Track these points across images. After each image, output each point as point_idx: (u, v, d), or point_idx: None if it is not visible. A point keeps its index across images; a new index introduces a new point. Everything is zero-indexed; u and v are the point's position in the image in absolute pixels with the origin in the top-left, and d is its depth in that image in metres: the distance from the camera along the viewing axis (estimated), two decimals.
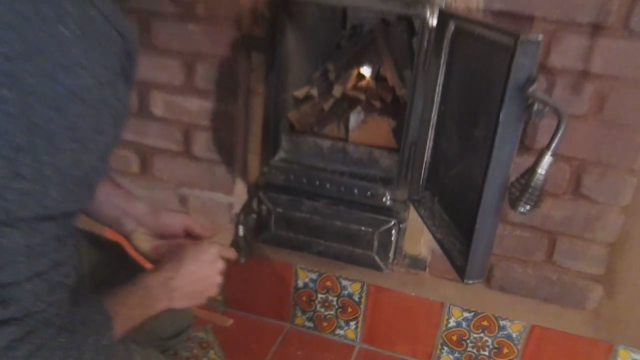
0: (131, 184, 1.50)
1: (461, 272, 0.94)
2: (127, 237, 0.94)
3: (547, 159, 0.82)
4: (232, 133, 1.36)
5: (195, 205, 1.46)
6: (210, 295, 0.91)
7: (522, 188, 0.84)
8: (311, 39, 1.38)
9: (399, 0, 1.10)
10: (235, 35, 1.26)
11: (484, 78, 0.92)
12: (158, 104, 1.40)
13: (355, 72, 1.41)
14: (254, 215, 1.31)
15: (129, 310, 0.76)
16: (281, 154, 1.33)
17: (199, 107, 1.37)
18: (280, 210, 1.29)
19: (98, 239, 0.99)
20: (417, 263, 1.30)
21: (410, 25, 1.49)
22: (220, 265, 0.91)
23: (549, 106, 0.78)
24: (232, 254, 0.95)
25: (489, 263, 1.25)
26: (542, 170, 0.82)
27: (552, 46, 1.07)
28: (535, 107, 0.79)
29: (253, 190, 1.31)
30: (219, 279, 0.91)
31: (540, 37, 0.77)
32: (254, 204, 1.31)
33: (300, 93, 1.34)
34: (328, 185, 1.29)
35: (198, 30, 1.29)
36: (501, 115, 0.80)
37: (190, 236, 0.98)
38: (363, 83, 1.37)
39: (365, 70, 1.43)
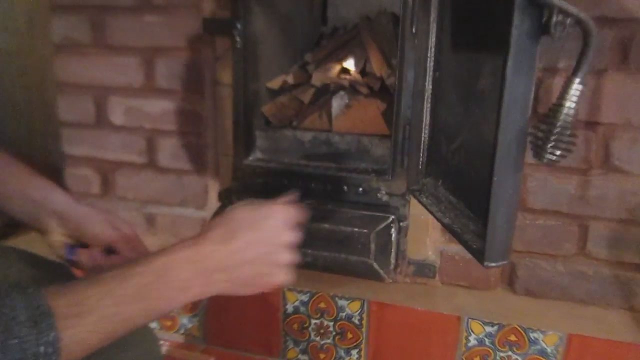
0: None
1: (479, 254, 0.74)
2: (47, 240, 0.71)
3: (576, 87, 0.64)
4: (201, 135, 1.19)
5: (164, 224, 1.27)
6: (276, 282, 0.62)
7: (547, 129, 0.66)
8: (287, 28, 1.24)
9: None
10: (197, 20, 1.11)
11: (486, 12, 0.76)
12: (117, 111, 1.24)
13: (337, 64, 1.26)
14: None
15: (122, 300, 0.51)
16: (257, 154, 1.15)
17: (161, 110, 1.20)
18: None
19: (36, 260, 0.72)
20: (424, 269, 1.10)
21: (395, 17, 1.36)
22: (292, 235, 0.64)
23: (571, 16, 0.61)
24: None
25: (510, 261, 1.05)
26: (570, 103, 0.65)
27: None
28: (555, 17, 0.62)
29: (225, 196, 1.12)
30: (288, 257, 0.63)
31: None
32: None
33: (274, 84, 1.17)
34: (313, 185, 1.10)
35: (156, 21, 1.15)
36: (512, 32, 0.63)
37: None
38: (347, 76, 1.21)
39: (349, 64, 1.28)
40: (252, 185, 1.13)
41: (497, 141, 0.67)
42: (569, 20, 0.62)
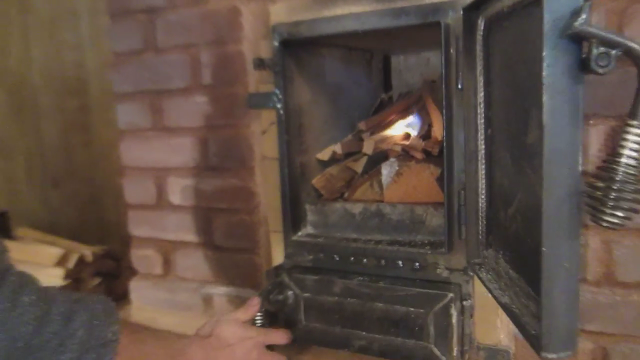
0: (154, 287, 1.31)
1: (536, 342, 0.60)
2: None
3: (636, 132, 0.52)
4: (252, 212, 1.15)
5: (221, 305, 1.22)
6: None
7: (605, 186, 0.53)
8: (338, 98, 1.20)
9: (413, 12, 0.90)
10: (243, 96, 1.11)
11: (525, 60, 0.66)
12: (175, 191, 1.25)
13: (395, 130, 1.20)
14: (278, 304, 1.04)
15: (150, 356, 0.76)
16: (308, 229, 1.08)
17: (215, 188, 1.19)
18: (309, 295, 1.02)
19: None
20: (496, 356, 0.94)
21: None
22: (267, 356, 0.92)
23: (619, 46, 0.51)
24: (276, 338, 0.95)
25: (602, 346, 0.87)
26: (629, 151, 0.53)
27: (625, 27, 0.79)
28: (595, 50, 0.51)
29: (274, 275, 1.06)
30: None
31: None
32: (277, 293, 1.05)
33: (324, 155, 1.12)
34: (365, 260, 1.01)
35: (206, 100, 1.16)
36: (544, 73, 0.53)
37: None
38: (404, 141, 1.13)
39: (410, 129, 1.21)
40: (301, 262, 1.06)
41: (542, 203, 0.55)
42: (615, 52, 0.51)
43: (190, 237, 1.25)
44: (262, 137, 1.11)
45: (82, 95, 2.64)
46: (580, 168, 0.55)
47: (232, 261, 1.20)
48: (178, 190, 1.25)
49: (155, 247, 1.30)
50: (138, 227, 1.33)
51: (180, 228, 1.26)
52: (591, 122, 0.82)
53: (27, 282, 0.62)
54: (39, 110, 2.58)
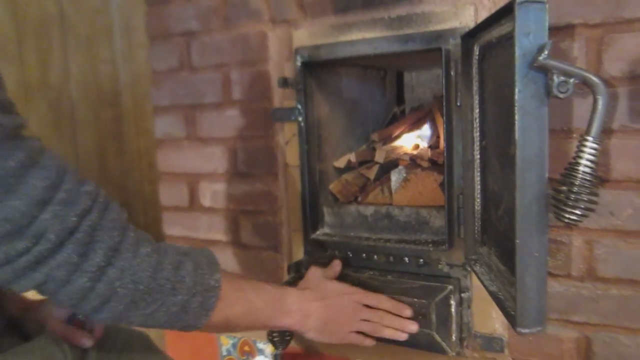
0: None
1: (513, 320, 0.72)
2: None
3: (590, 146, 0.64)
4: (276, 214, 1.28)
5: None
6: (344, 339, 0.97)
7: (566, 190, 0.65)
8: (354, 111, 1.33)
9: (419, 38, 1.02)
10: (269, 110, 1.25)
11: (507, 83, 0.78)
12: (206, 195, 1.39)
13: (405, 141, 1.32)
14: None
15: (249, 302, 0.83)
16: (325, 229, 1.21)
17: (242, 192, 1.33)
18: None
19: None
20: (491, 343, 1.05)
21: None
22: (365, 313, 0.98)
23: (574, 76, 0.63)
24: (373, 299, 1.01)
25: (586, 335, 0.97)
26: (586, 162, 0.65)
27: (603, 53, 0.91)
28: (556, 79, 0.63)
29: (295, 269, 1.19)
30: (358, 325, 0.97)
31: None
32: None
33: (340, 163, 1.25)
34: (376, 257, 1.13)
35: (236, 114, 1.30)
36: (516, 97, 0.65)
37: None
38: (413, 151, 1.26)
39: (419, 140, 1.33)
40: (319, 258, 1.19)
41: (515, 203, 0.68)
42: (572, 80, 0.63)
43: (220, 236, 1.38)
44: (285, 147, 1.24)
45: (116, 107, 2.82)
46: (547, 175, 0.67)
47: (257, 258, 1.33)
48: (209, 194, 1.38)
49: (187, 245, 1.44)
50: (172, 227, 1.47)
51: (211, 228, 1.40)
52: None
53: (143, 237, 0.71)
54: (75, 121, 2.75)
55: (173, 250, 0.74)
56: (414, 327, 1.01)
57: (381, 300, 1.02)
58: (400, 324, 1.01)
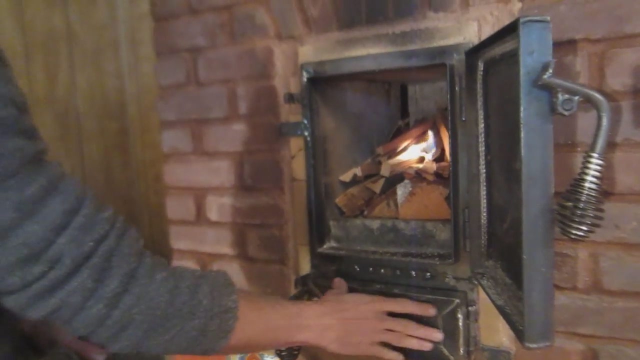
0: None
1: (521, 335, 0.73)
2: None
3: (595, 162, 0.65)
4: (282, 227, 1.29)
5: None
6: (367, 350, 0.95)
7: (572, 205, 0.66)
8: (359, 125, 1.34)
9: (423, 54, 1.04)
10: (275, 124, 1.26)
11: (512, 100, 0.79)
12: (213, 209, 1.40)
13: (410, 154, 1.33)
14: None
15: (268, 320, 0.82)
16: (331, 242, 1.22)
17: (249, 206, 1.34)
18: None
19: None
20: (499, 357, 1.05)
21: None
22: (387, 322, 0.97)
23: (579, 94, 0.64)
24: (394, 305, 0.99)
25: (592, 348, 0.97)
26: (591, 178, 0.65)
27: (605, 67, 0.92)
28: (560, 97, 0.64)
29: (301, 283, 1.20)
30: (381, 335, 0.96)
31: (548, 17, 0.65)
32: (305, 299, 1.18)
33: (346, 177, 1.26)
34: (382, 270, 1.14)
35: (242, 128, 1.32)
36: (522, 115, 0.66)
37: None
38: (418, 164, 1.27)
39: (424, 153, 1.34)
40: (326, 272, 1.19)
41: (521, 218, 0.68)
42: (577, 98, 0.64)
43: (226, 249, 1.39)
44: (291, 161, 1.26)
45: (122, 119, 2.85)
46: (552, 190, 0.68)
47: (264, 271, 1.34)
48: (215, 208, 1.40)
49: (195, 258, 1.45)
50: (179, 240, 1.48)
51: (218, 242, 1.41)
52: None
53: (159, 262, 0.72)
54: (82, 134, 2.78)
55: (189, 274, 0.75)
56: (439, 335, 1.00)
57: (404, 305, 1.01)
58: (424, 333, 0.99)
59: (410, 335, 0.98)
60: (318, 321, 0.90)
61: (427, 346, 1.00)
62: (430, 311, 1.01)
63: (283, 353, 1.11)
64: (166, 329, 0.69)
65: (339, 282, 1.10)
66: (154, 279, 0.68)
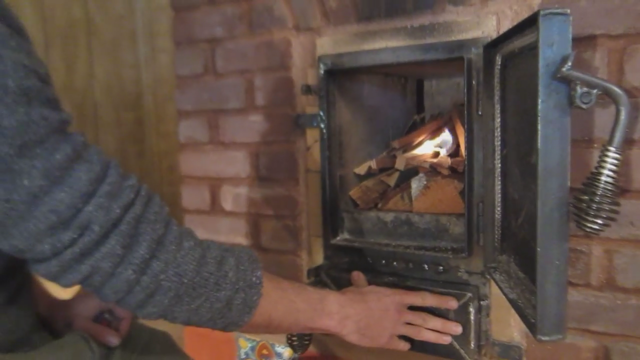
0: None
1: (534, 328, 0.73)
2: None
3: (612, 156, 0.65)
4: (296, 218, 1.30)
5: None
6: (387, 344, 0.95)
7: (588, 199, 0.66)
8: (375, 118, 1.34)
9: (441, 48, 1.04)
10: (291, 116, 1.27)
11: (530, 93, 0.79)
12: (227, 199, 1.41)
13: (425, 149, 1.33)
14: None
15: (290, 302, 0.82)
16: (345, 234, 1.23)
17: (263, 196, 1.35)
18: None
19: None
20: (509, 351, 1.05)
21: None
22: (407, 315, 0.97)
23: (597, 87, 0.64)
24: (415, 298, 0.99)
25: (604, 345, 0.97)
26: (608, 172, 0.65)
27: (625, 63, 0.91)
28: (579, 90, 0.64)
29: (315, 274, 1.20)
30: (400, 328, 0.95)
31: (568, 10, 0.65)
32: None
33: (360, 170, 1.27)
34: (395, 263, 1.15)
35: (259, 119, 1.33)
36: (539, 107, 0.66)
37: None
38: (433, 159, 1.27)
39: (439, 148, 1.34)
40: (339, 264, 1.20)
41: (537, 211, 0.69)
42: (595, 91, 0.64)
43: (240, 239, 1.40)
44: (307, 153, 1.26)
45: (138, 109, 2.88)
46: (568, 184, 0.68)
47: (277, 261, 1.35)
48: (230, 198, 1.41)
49: None
50: (194, 230, 1.49)
51: (232, 231, 1.42)
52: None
53: (186, 231, 0.72)
54: (98, 123, 2.81)
55: (215, 246, 0.75)
56: (458, 329, 1.00)
57: (424, 297, 1.00)
58: (443, 326, 1.00)
59: (429, 329, 0.99)
60: (340, 309, 0.89)
61: (446, 340, 1.00)
62: (451, 304, 1.01)
63: (295, 343, 1.12)
64: (192, 297, 0.68)
65: (358, 276, 1.08)
66: (181, 246, 0.68)
